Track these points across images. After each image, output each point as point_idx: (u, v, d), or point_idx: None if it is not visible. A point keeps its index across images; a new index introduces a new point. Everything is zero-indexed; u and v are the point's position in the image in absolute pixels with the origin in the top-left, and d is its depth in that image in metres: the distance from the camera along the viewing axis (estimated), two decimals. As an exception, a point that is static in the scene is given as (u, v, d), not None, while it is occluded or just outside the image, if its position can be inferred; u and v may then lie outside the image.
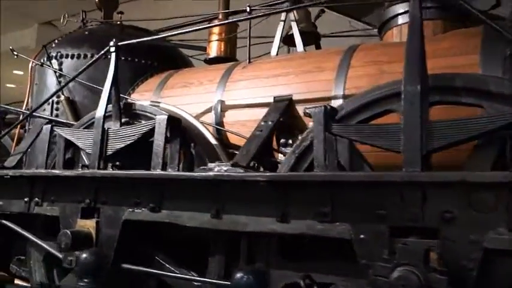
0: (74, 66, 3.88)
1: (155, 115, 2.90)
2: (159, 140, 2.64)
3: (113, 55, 3.03)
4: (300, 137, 2.41)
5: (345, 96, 2.79)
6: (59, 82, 3.85)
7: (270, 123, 2.80)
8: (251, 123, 3.12)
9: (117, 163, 2.83)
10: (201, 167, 2.49)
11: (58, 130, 3.15)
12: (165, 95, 3.59)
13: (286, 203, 2.13)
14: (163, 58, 4.10)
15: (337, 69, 2.90)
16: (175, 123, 2.69)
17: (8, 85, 13.23)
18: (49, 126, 3.17)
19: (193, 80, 3.56)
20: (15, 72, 12.15)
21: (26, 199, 3.11)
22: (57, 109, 3.82)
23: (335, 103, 2.80)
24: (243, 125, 3.14)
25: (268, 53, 3.84)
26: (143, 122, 2.96)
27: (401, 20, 3.03)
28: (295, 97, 2.95)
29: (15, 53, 4.07)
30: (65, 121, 3.69)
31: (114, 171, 2.65)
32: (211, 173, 2.32)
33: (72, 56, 3.89)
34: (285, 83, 3.08)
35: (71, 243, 2.64)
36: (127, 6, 5.15)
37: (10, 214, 3.31)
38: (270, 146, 2.78)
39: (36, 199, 3.06)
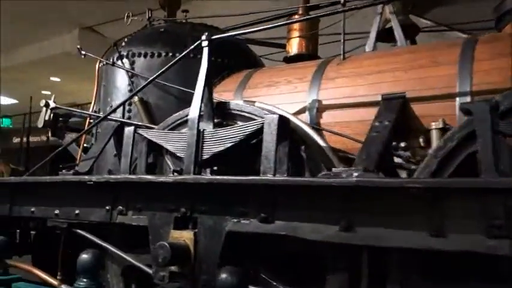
0: (147, 65, 3.64)
1: (254, 115, 2.64)
2: (269, 141, 2.35)
3: (206, 50, 2.77)
4: (438, 140, 2.10)
5: (473, 93, 2.47)
6: (132, 82, 3.61)
7: (386, 123, 2.49)
8: (355, 124, 2.83)
9: (215, 168, 2.55)
10: (324, 173, 2.19)
11: (142, 132, 2.90)
12: (248, 96, 3.32)
13: (443, 213, 1.81)
14: (237, 56, 3.83)
15: (459, 63, 2.59)
16: (285, 123, 2.40)
17: (43, 92, 13.22)
18: (132, 128, 2.92)
19: (280, 79, 3.28)
20: (52, 79, 12.13)
21: (107, 207, 2.85)
22: (129, 111, 3.58)
23: (461, 101, 2.49)
24: (346, 126, 2.84)
25: (354, 48, 3.56)
26: (240, 123, 2.68)
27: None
28: (408, 95, 2.65)
29: (82, 52, 3.85)
30: (140, 123, 3.44)
31: (218, 177, 2.37)
32: (350, 179, 2.01)
33: (145, 55, 3.65)
34: (392, 80, 2.78)
35: (170, 257, 2.36)
36: (189, 6, 4.93)
37: (80, 224, 3.07)
38: (390, 148, 2.48)
39: (120, 207, 2.80)
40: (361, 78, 2.91)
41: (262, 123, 2.40)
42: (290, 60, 3.76)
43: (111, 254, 3.06)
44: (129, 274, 3.05)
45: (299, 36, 3.68)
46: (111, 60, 3.76)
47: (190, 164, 2.59)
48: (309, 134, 2.52)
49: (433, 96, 2.58)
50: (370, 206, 1.97)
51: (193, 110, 2.66)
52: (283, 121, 2.38)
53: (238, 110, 2.70)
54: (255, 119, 2.63)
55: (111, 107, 3.69)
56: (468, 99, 2.46)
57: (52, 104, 4.00)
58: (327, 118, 2.93)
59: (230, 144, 2.53)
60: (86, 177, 2.86)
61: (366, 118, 2.78)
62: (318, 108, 2.96)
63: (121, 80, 3.71)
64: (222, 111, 2.77)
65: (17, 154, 9.50)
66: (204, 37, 2.77)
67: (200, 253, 2.45)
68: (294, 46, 3.73)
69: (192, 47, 2.86)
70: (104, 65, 3.90)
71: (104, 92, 3.83)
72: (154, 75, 3.12)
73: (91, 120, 4.16)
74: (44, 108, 4.02)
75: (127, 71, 3.63)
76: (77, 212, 3.02)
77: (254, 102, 2.80)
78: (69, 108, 4.11)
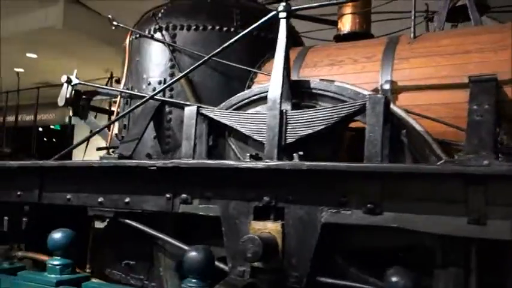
0: (191, 39, 3.32)
1: (341, 95, 2.40)
2: (373, 124, 2.13)
3: (283, 22, 2.50)
4: None
5: None
6: (174, 58, 3.28)
7: (487, 106, 2.31)
8: (437, 107, 2.65)
9: (301, 153, 2.30)
10: (445, 160, 2.00)
11: (208, 113, 2.61)
12: (305, 75, 3.07)
13: None
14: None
15: (558, 44, 2.44)
16: (388, 105, 2.18)
17: (15, 69, 12.38)
18: (194, 108, 2.62)
19: (343, 58, 3.05)
20: (28, 55, 11.35)
21: (168, 195, 2.57)
22: (171, 89, 3.26)
23: None
24: (426, 109, 2.65)
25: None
26: (322, 103, 2.45)
27: None
28: (501, 77, 2.48)
29: (114, 23, 3.46)
30: (182, 102, 3.13)
31: (312, 163, 2.12)
32: (487, 167, 1.82)
33: (189, 28, 3.31)
34: (480, 61, 2.60)
35: (262, 252, 2.12)
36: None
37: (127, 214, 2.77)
38: (497, 133, 2.30)
39: (184, 195, 2.52)
40: (441, 58, 2.71)
41: (363, 104, 2.18)
42: (341, 38, 3.53)
43: (162, 246, 2.80)
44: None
45: (352, 13, 3.45)
46: (146, 32, 3.41)
47: (273, 148, 2.34)
48: (405, 117, 2.31)
49: (529, 79, 2.42)
50: (509, 196, 1.79)
51: (274, 89, 2.39)
52: (387, 103, 2.17)
53: (321, 90, 2.45)
54: (340, 100, 2.40)
55: (149, 84, 3.36)
56: None
57: (74, 80, 3.62)
58: (403, 100, 2.73)
59: (321, 127, 2.29)
60: (148, 161, 2.55)
61: (450, 101, 2.60)
62: (393, 90, 2.75)
63: (160, 54, 3.37)
64: (299, 91, 2.51)
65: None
66: (281, 8, 2.49)
67: (289, 247, 2.22)
68: (347, 23, 3.49)
69: (266, 18, 2.58)
70: (136, 38, 3.54)
71: (138, 68, 3.48)
72: (214, 52, 2.82)
73: (113, 100, 3.82)
74: (65, 85, 3.63)
75: (168, 45, 3.29)
76: (126, 200, 2.71)
77: (333, 81, 2.56)
78: (95, 85, 3.72)
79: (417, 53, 2.82)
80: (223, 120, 2.56)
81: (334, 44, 3.42)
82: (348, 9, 3.49)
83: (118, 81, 4.48)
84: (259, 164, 2.20)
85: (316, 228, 2.17)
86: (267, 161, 2.27)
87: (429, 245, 2.08)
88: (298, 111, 2.37)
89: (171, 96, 3.26)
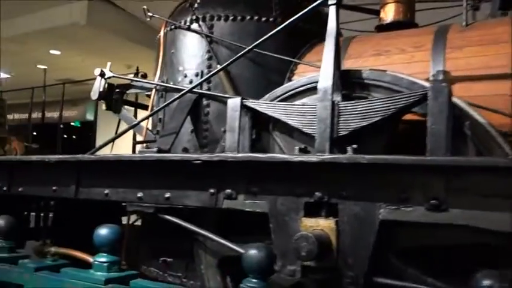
0: (228, 30, 3.21)
1: (396, 85, 2.28)
2: (437, 115, 2.00)
3: (332, 9, 2.38)
4: None
5: None
6: (211, 49, 3.18)
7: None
8: (493, 98, 2.50)
9: (354, 146, 2.18)
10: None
11: (253, 105, 2.51)
12: (350, 66, 2.93)
13: None
14: (322, 23, 3.43)
15: None
16: (451, 94, 2.05)
17: (39, 66, 12.46)
18: (238, 100, 2.52)
19: (389, 48, 2.91)
20: (52, 52, 11.40)
21: (212, 190, 2.47)
22: (209, 82, 3.16)
23: None
24: (482, 101, 2.48)
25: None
26: (376, 94, 2.32)
27: None
28: None
29: (149, 14, 3.38)
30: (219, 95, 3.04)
31: (372, 156, 2.00)
32: None
33: (226, 18, 3.21)
34: (541, 49, 2.45)
35: (317, 250, 2.01)
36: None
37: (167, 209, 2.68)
38: None
39: (228, 191, 2.42)
40: (498, 47, 2.56)
41: (424, 93, 2.05)
42: (384, 28, 3.38)
43: (203, 243, 2.71)
44: (225, 265, 2.70)
45: (396, 1, 3.30)
46: (182, 23, 3.32)
47: (325, 141, 2.22)
48: (467, 108, 2.17)
49: None
50: None
51: (324, 79, 2.27)
52: (450, 92, 2.03)
53: (374, 80, 2.33)
54: (395, 91, 2.27)
55: (185, 76, 3.27)
56: None
57: (108, 73, 3.55)
58: (457, 91, 2.56)
59: (377, 119, 2.17)
60: (192, 155, 2.45)
61: (508, 92, 2.46)
62: (446, 81, 2.60)
63: (197, 46, 3.27)
64: (350, 81, 2.39)
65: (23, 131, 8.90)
66: (331, -5, 2.37)
67: (344, 245, 2.11)
68: (390, 12, 3.34)
69: (315, 5, 2.46)
70: (171, 29, 3.45)
71: (174, 60, 3.39)
72: (256, 43, 2.71)
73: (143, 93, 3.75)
74: (98, 78, 3.57)
75: (206, 36, 3.19)
76: (167, 195, 2.62)
77: (385, 71, 2.43)
78: (129, 78, 3.65)
79: (471, 41, 2.67)
80: (269, 113, 2.45)
81: (378, 33, 3.28)
82: (391, -3, 3.34)
83: (144, 76, 4.42)
84: (313, 158, 2.08)
85: (374, 225, 2.05)
86: (321, 154, 2.16)
87: (495, 243, 1.95)
88: (351, 102, 2.25)
89: (209, 89, 3.16)
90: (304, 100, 2.51)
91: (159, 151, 2.80)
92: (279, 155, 2.19)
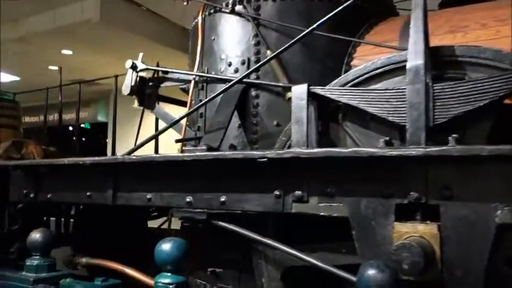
0: (276, 10, 2.86)
1: (499, 61, 1.91)
2: None
3: (418, -25, 2.02)
4: None
5: None
6: (259, 33, 2.83)
7: None
8: None
9: (455, 135, 1.82)
10: None
11: (322, 91, 2.16)
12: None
13: None
14: (378, 1, 3.08)
15: None
16: None
17: (51, 67, 12.15)
18: (304, 86, 2.17)
19: (467, 22, 2.54)
20: (64, 52, 11.08)
21: (277, 192, 2.13)
22: (257, 70, 2.82)
23: None
24: None
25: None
26: (472, 74, 1.96)
27: None
28: None
29: (185, -1, 3.04)
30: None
31: (495, 147, 1.64)
32: None
33: (284, -2, 2.85)
34: None
35: (424, 263, 1.66)
36: None
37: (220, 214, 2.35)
38: None
39: (299, 192, 2.07)
40: None
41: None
42: (449, 5, 3.01)
43: (263, 252, 2.37)
44: (290, 277, 2.36)
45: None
46: (224, 5, 2.97)
47: (419, 131, 1.86)
48: None
49: None
50: None
51: (414, 57, 1.91)
52: None
53: (471, 57, 1.96)
54: (499, 68, 1.91)
55: (230, 65, 2.92)
56: None
57: (140, 65, 3.22)
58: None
59: (485, 102, 1.81)
60: (256, 152, 2.11)
61: None
62: (543, 58, 2.24)
63: (241, 30, 2.92)
64: (440, 60, 2.03)
65: (37, 134, 8.63)
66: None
67: (450, 255, 1.75)
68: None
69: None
70: (210, 13, 3.10)
71: (215, 47, 3.04)
72: (316, 24, 2.36)
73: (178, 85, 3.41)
74: (130, 71, 3.24)
75: (253, 19, 2.84)
76: (222, 199, 2.29)
77: (479, 46, 2.07)
78: (164, 69, 3.30)
79: None
80: (343, 100, 2.10)
81: (447, 9, 2.90)
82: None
83: (166, 72, 4.13)
84: (413, 151, 1.72)
85: (490, 230, 1.70)
86: (424, 147, 1.80)
87: None
88: (449, 83, 1.89)
89: (257, 78, 2.81)
90: (381, 85, 2.15)
91: (209, 149, 2.46)
92: (365, 149, 1.83)
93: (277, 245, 2.20)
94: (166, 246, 1.79)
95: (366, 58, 2.79)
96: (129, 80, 3.23)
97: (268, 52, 2.76)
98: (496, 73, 1.88)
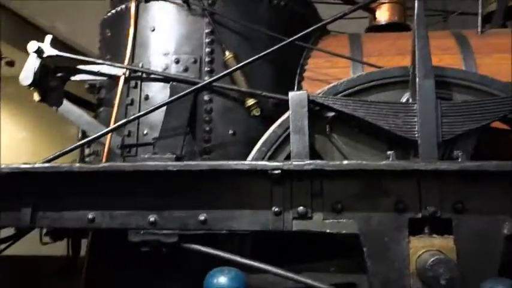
0: (234, 9, 2.61)
1: (488, 86, 2.09)
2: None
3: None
4: None
5: None
6: (216, 31, 2.54)
7: None
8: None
9: (460, 152, 1.91)
10: None
11: (323, 101, 2.03)
12: (375, 63, 2.66)
13: None
14: (317, 15, 3.09)
15: None
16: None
17: None
18: (304, 93, 2.01)
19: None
20: None
21: (276, 209, 1.91)
22: (211, 71, 2.52)
23: None
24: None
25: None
26: (459, 95, 2.10)
27: None
28: None
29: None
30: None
31: (500, 162, 1.75)
32: None
33: (232, -6, 2.61)
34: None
35: (457, 277, 1.67)
36: None
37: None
38: None
39: (302, 208, 1.90)
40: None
41: (542, 96, 1.90)
42: (376, 29, 3.21)
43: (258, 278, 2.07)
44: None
45: (390, 2, 3.16)
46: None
47: (432, 146, 1.90)
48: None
49: None
50: None
51: (424, 74, 1.95)
52: None
53: (462, 79, 2.09)
54: (486, 93, 2.08)
55: (177, 62, 2.55)
56: None
57: (49, 50, 2.58)
58: None
59: (483, 123, 1.94)
60: (267, 163, 1.84)
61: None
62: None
63: (191, 25, 2.58)
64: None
65: None
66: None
67: (465, 267, 1.81)
68: (384, 13, 3.18)
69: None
70: (147, 1, 2.67)
71: (153, 40, 2.62)
72: (291, 39, 2.23)
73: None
74: (33, 56, 2.57)
75: (210, 14, 2.53)
76: (201, 217, 1.95)
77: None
78: (78, 57, 2.66)
79: (497, 49, 2.66)
80: (347, 111, 2.01)
81: (387, 33, 3.06)
82: (385, -3, 3.19)
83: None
84: (438, 166, 1.74)
85: (499, 241, 1.81)
86: (440, 162, 1.83)
87: None
88: (455, 102, 1.98)
89: (213, 81, 2.51)
90: (373, 97, 2.13)
91: (177, 158, 2.09)
92: (375, 163, 1.79)
93: (269, 269, 1.95)
94: (220, 279, 1.41)
95: (318, 70, 2.77)
96: (30, 67, 2.55)
97: (227, 53, 2.50)
98: (482, 96, 2.05)
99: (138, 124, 2.54)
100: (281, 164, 1.83)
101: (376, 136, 2.11)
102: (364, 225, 1.87)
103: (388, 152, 2.00)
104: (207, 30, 2.56)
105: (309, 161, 1.85)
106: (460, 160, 1.88)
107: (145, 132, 2.53)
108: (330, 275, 2.05)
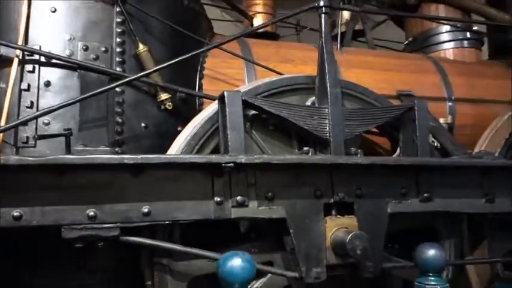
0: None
1: (367, 96, 2.63)
2: (422, 126, 2.51)
3: (325, 15, 2.47)
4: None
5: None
6: (128, 22, 2.47)
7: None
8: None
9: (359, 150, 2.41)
10: (463, 154, 2.61)
11: (257, 102, 2.25)
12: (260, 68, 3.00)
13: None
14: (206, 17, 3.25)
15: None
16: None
17: None
18: (238, 94, 2.19)
19: (294, 58, 3.17)
20: None
21: (218, 199, 2.07)
22: (122, 62, 2.45)
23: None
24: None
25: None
26: (345, 103, 2.59)
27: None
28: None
29: None
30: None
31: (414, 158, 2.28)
32: (489, 161, 2.55)
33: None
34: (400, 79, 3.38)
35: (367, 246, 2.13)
36: None
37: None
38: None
39: (240, 198, 2.11)
40: (373, 71, 3.31)
41: (410, 107, 2.52)
42: (253, 35, 3.53)
43: (167, 266, 2.18)
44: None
45: (264, 13, 3.54)
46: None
47: (340, 145, 2.32)
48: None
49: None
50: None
51: (334, 83, 2.36)
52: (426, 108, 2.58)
53: (348, 89, 2.57)
54: (365, 102, 2.61)
55: (86, 49, 2.40)
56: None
57: None
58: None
59: (372, 126, 2.47)
60: (223, 157, 1.97)
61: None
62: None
63: (100, 12, 2.45)
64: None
65: None
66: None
67: (364, 239, 2.30)
68: (260, 22, 3.53)
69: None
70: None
71: (53, 22, 2.39)
72: (226, 40, 2.41)
73: None
74: None
75: (122, 3, 2.45)
76: (145, 209, 1.98)
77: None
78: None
79: (355, 64, 3.30)
80: (273, 111, 2.28)
81: (270, 41, 3.39)
82: (259, 7, 3.55)
83: None
84: (348, 160, 2.20)
85: (385, 219, 2.37)
86: (351, 157, 2.29)
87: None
88: (356, 108, 2.46)
89: (123, 71, 2.46)
90: (284, 100, 2.46)
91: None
92: (300, 157, 2.17)
93: (201, 253, 2.09)
94: (237, 261, 1.47)
95: (216, 70, 2.97)
96: None
97: (141, 46, 2.48)
98: (363, 104, 2.59)
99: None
100: (234, 158, 2.00)
101: (288, 134, 2.45)
102: (290, 211, 2.19)
103: (305, 148, 2.36)
104: (118, 20, 2.49)
105: (257, 156, 2.07)
106: (359, 156, 2.36)
107: (45, 121, 2.32)
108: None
